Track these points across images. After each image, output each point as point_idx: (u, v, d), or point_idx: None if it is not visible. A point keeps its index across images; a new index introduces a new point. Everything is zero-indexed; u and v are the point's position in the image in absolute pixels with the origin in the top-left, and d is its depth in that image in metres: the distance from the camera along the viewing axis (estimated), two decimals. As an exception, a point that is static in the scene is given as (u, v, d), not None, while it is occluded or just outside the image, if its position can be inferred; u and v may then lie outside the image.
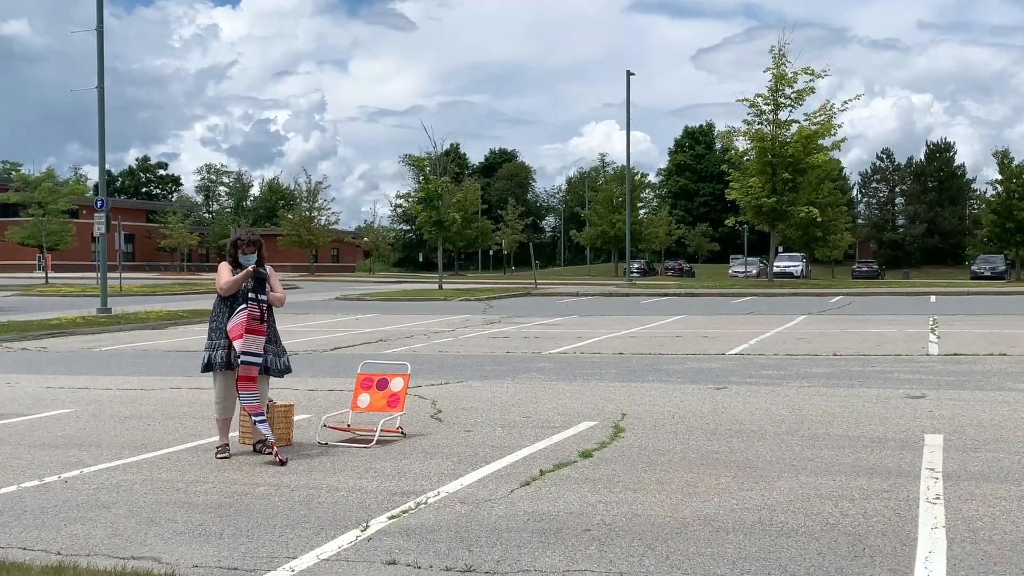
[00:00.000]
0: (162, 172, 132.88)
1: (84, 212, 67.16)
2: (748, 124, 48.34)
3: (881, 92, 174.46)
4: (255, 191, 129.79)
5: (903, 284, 49.92)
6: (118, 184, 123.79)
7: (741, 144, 49.27)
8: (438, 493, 6.59)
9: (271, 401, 8.49)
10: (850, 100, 53.12)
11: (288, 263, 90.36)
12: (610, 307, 31.64)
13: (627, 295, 40.32)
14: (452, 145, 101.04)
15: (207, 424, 9.57)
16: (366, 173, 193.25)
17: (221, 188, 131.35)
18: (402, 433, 8.74)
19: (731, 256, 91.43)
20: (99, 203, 28.21)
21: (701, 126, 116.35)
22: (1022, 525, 5.61)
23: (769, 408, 10.03)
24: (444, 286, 46.90)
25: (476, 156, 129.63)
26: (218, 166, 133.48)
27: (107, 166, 30.19)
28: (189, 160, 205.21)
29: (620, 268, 77.18)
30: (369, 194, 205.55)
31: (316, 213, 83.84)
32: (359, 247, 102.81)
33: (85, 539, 5.65)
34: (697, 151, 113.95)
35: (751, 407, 10.12)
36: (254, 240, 8.30)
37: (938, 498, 6.22)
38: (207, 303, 34.68)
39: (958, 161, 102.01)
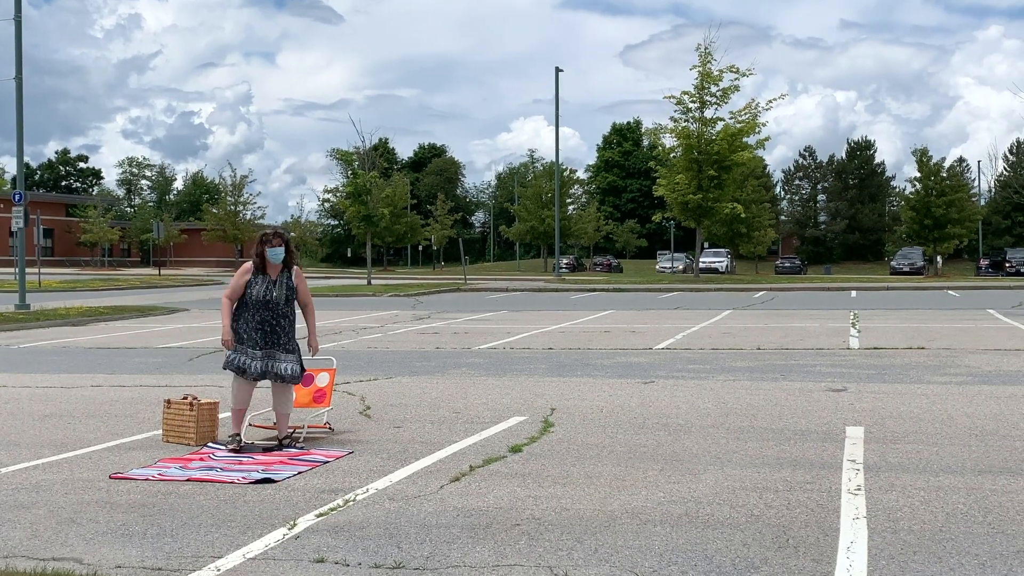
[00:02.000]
0: (82, 165, 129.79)
1: (1, 206, 65.38)
2: (675, 122, 48.92)
3: (805, 90, 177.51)
4: (179, 185, 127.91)
5: (825, 279, 50.90)
6: (37, 177, 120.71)
7: (668, 141, 49.88)
8: (367, 490, 6.55)
9: (195, 398, 8.37)
10: (774, 100, 54.12)
11: (212, 258, 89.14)
12: (539, 302, 31.74)
13: (556, 290, 40.50)
14: (381, 139, 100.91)
15: (130, 423, 9.41)
16: (293, 167, 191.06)
17: (143, 182, 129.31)
18: (330, 429, 8.67)
19: (658, 252, 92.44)
20: (17, 196, 27.45)
21: (629, 123, 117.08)
22: (940, 515, 5.76)
23: (695, 402, 10.15)
24: (373, 282, 46.62)
25: (405, 151, 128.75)
26: (140, 159, 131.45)
27: (25, 159, 29.45)
28: (110, 153, 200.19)
29: (549, 263, 77.54)
30: (296, 188, 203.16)
31: (241, 207, 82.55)
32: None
33: (4, 540, 5.50)
34: (625, 148, 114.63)
35: (678, 401, 10.24)
36: (280, 232, 8.12)
37: (859, 489, 6.36)
38: (129, 299, 34.01)
39: (878, 159, 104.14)
